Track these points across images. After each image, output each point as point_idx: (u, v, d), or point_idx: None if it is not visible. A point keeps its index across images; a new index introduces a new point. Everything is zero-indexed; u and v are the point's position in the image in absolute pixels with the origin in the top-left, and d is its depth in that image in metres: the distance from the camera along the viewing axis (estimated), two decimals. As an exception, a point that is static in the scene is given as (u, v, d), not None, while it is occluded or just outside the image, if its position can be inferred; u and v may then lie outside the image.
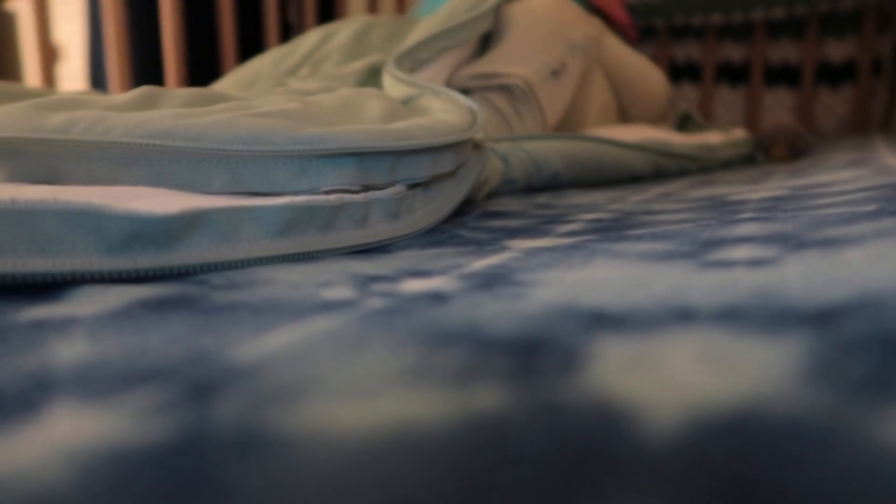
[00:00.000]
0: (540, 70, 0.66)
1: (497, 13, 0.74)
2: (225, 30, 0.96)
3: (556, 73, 0.68)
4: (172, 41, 0.89)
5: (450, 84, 0.67)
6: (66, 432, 0.12)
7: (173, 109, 0.33)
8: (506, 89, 0.64)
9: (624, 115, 0.94)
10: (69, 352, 0.16)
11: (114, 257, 0.24)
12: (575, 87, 0.72)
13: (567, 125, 0.77)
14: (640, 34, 1.28)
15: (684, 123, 1.00)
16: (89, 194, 0.26)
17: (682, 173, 0.72)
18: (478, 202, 0.49)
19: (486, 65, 0.66)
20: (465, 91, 0.66)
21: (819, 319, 0.15)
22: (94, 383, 0.14)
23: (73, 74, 1.58)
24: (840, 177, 0.47)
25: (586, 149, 0.62)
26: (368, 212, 0.31)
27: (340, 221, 0.29)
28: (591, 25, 0.73)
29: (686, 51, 1.25)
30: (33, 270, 0.22)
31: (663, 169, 0.70)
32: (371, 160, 0.31)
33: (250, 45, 1.01)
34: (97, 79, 1.01)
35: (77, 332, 0.18)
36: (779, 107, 1.18)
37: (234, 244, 0.26)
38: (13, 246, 0.22)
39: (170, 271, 0.24)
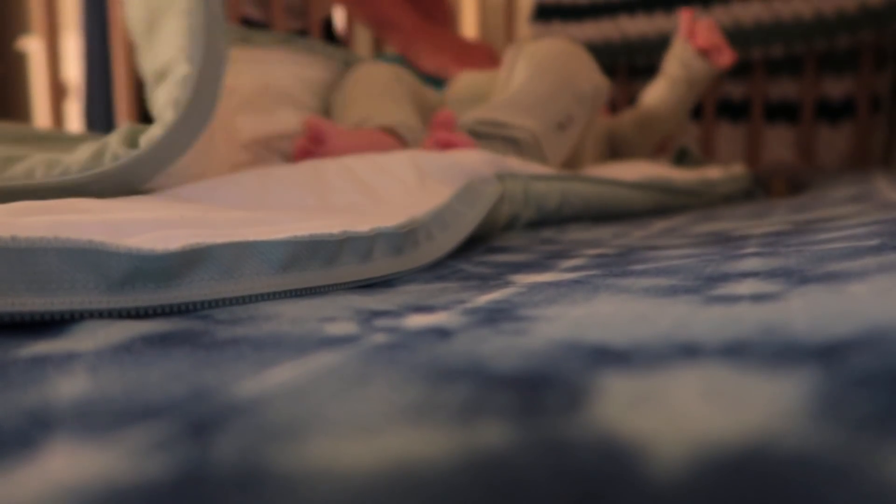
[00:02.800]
0: (547, 123, 0.66)
1: (512, 49, 0.75)
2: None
3: (561, 126, 0.67)
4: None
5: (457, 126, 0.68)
6: (64, 469, 0.12)
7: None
8: (513, 141, 0.64)
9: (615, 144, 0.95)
10: (69, 388, 0.16)
11: (113, 295, 0.23)
12: (578, 136, 0.72)
13: (564, 165, 0.77)
14: (641, 72, 1.30)
15: (682, 158, 1.01)
16: (90, 230, 0.26)
17: (684, 208, 0.73)
18: (484, 239, 0.49)
19: (494, 111, 0.66)
20: (472, 133, 0.66)
21: (825, 355, 0.15)
22: (94, 420, 0.14)
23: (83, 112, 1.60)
24: (841, 212, 0.47)
25: (590, 191, 0.62)
26: (373, 246, 0.31)
27: (344, 256, 0.29)
28: (598, 72, 0.74)
29: (686, 88, 1.26)
30: (32, 309, 0.22)
31: (666, 205, 0.70)
32: None
33: None
34: (94, 117, 1.00)
35: (78, 368, 0.18)
36: (779, 143, 1.19)
37: (236, 280, 0.26)
38: (12, 284, 0.22)
39: (170, 309, 0.24)
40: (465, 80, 0.83)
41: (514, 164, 0.61)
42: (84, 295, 0.23)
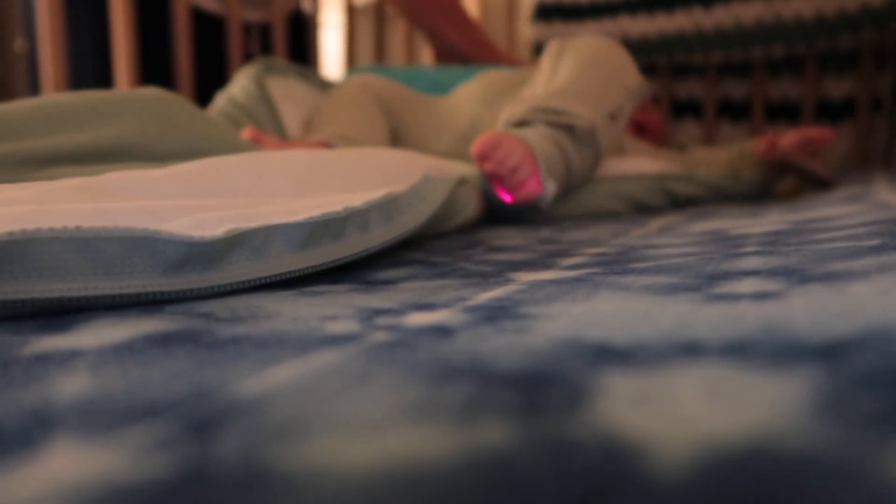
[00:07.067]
0: (601, 113, 0.67)
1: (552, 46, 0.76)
2: (182, 63, 0.95)
3: (613, 117, 0.68)
4: (126, 75, 0.89)
5: (510, 112, 0.69)
6: (65, 468, 0.12)
7: None
8: (569, 128, 0.65)
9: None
10: (71, 386, 0.16)
11: (169, 278, 0.26)
12: (624, 129, 0.73)
13: None
14: (642, 72, 1.29)
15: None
16: (132, 216, 0.28)
17: (687, 202, 0.75)
18: (471, 227, 0.49)
19: (549, 100, 0.66)
20: (524, 122, 0.66)
21: (827, 354, 0.15)
22: (95, 418, 0.14)
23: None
24: (839, 212, 0.47)
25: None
26: (369, 217, 0.34)
27: (348, 229, 0.33)
28: (637, 71, 0.75)
29: (687, 88, 1.27)
30: (102, 293, 0.24)
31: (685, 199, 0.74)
32: None
33: (210, 79, 0.99)
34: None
35: (80, 366, 0.18)
36: (780, 142, 1.19)
37: (265, 260, 0.29)
38: (82, 270, 0.24)
39: (217, 290, 0.27)
40: (485, 80, 0.84)
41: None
42: (145, 278, 0.25)
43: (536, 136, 0.61)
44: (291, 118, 0.79)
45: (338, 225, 0.32)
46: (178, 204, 0.31)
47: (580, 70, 0.70)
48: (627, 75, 0.71)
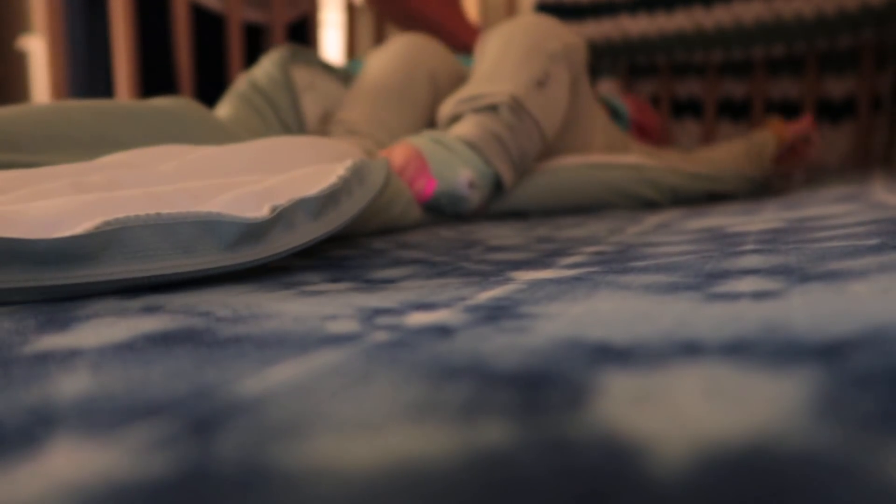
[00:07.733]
0: (525, 83, 0.67)
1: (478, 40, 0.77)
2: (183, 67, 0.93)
3: (541, 84, 0.68)
4: (126, 80, 0.88)
5: (434, 113, 0.71)
6: (66, 467, 0.12)
7: None
8: (493, 108, 0.65)
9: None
10: (72, 385, 0.16)
11: (228, 253, 0.30)
12: (566, 96, 0.72)
13: (572, 143, 0.78)
14: (642, 71, 1.29)
15: None
16: (181, 199, 0.32)
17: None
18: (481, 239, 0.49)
19: (469, 88, 0.67)
20: (455, 118, 0.67)
21: (827, 353, 0.15)
22: (96, 417, 0.14)
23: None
24: (835, 210, 0.47)
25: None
26: (352, 183, 0.39)
27: (342, 196, 0.37)
28: (568, 34, 0.75)
29: (688, 87, 1.26)
30: (185, 269, 0.28)
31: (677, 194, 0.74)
32: None
33: (210, 79, 0.98)
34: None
35: (80, 365, 0.18)
36: (780, 141, 1.19)
37: (293, 231, 0.33)
38: (165, 251, 0.28)
39: (263, 261, 0.31)
40: None
41: None
42: (214, 255, 0.30)
43: (466, 128, 0.63)
44: (312, 110, 0.78)
45: (337, 194, 0.36)
46: (209, 184, 0.36)
47: (497, 50, 0.71)
48: (548, 41, 0.72)
